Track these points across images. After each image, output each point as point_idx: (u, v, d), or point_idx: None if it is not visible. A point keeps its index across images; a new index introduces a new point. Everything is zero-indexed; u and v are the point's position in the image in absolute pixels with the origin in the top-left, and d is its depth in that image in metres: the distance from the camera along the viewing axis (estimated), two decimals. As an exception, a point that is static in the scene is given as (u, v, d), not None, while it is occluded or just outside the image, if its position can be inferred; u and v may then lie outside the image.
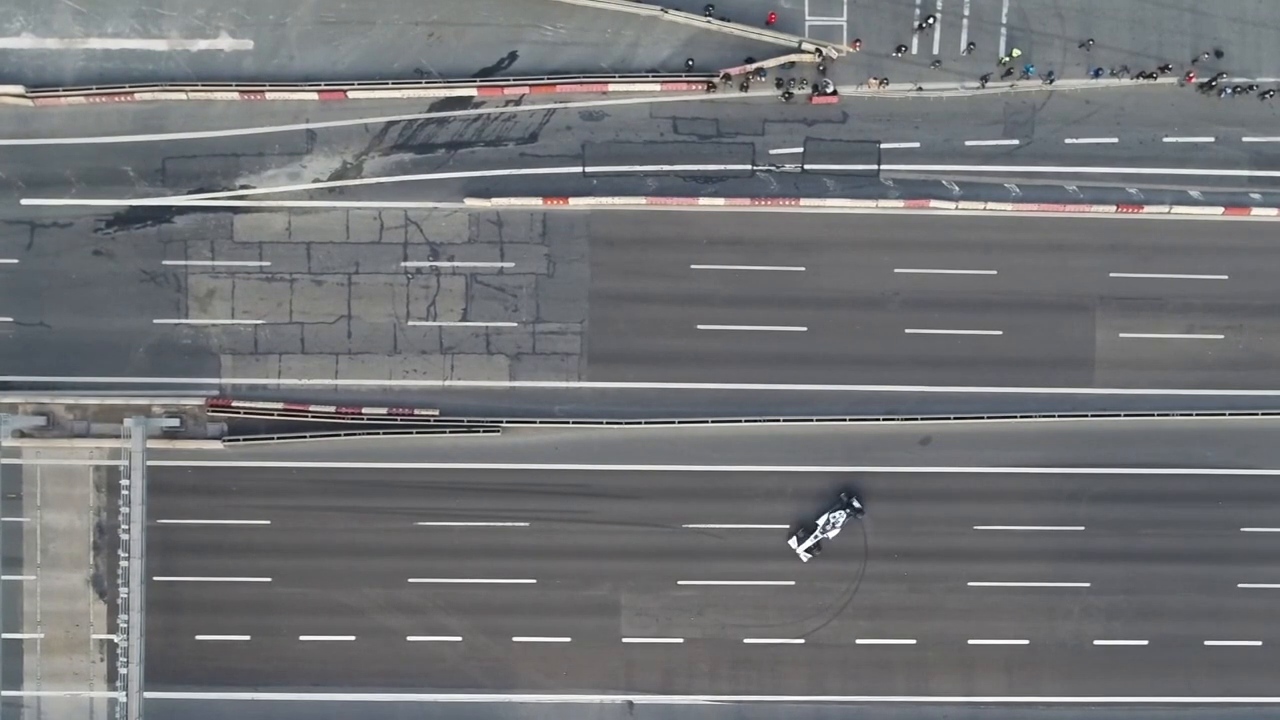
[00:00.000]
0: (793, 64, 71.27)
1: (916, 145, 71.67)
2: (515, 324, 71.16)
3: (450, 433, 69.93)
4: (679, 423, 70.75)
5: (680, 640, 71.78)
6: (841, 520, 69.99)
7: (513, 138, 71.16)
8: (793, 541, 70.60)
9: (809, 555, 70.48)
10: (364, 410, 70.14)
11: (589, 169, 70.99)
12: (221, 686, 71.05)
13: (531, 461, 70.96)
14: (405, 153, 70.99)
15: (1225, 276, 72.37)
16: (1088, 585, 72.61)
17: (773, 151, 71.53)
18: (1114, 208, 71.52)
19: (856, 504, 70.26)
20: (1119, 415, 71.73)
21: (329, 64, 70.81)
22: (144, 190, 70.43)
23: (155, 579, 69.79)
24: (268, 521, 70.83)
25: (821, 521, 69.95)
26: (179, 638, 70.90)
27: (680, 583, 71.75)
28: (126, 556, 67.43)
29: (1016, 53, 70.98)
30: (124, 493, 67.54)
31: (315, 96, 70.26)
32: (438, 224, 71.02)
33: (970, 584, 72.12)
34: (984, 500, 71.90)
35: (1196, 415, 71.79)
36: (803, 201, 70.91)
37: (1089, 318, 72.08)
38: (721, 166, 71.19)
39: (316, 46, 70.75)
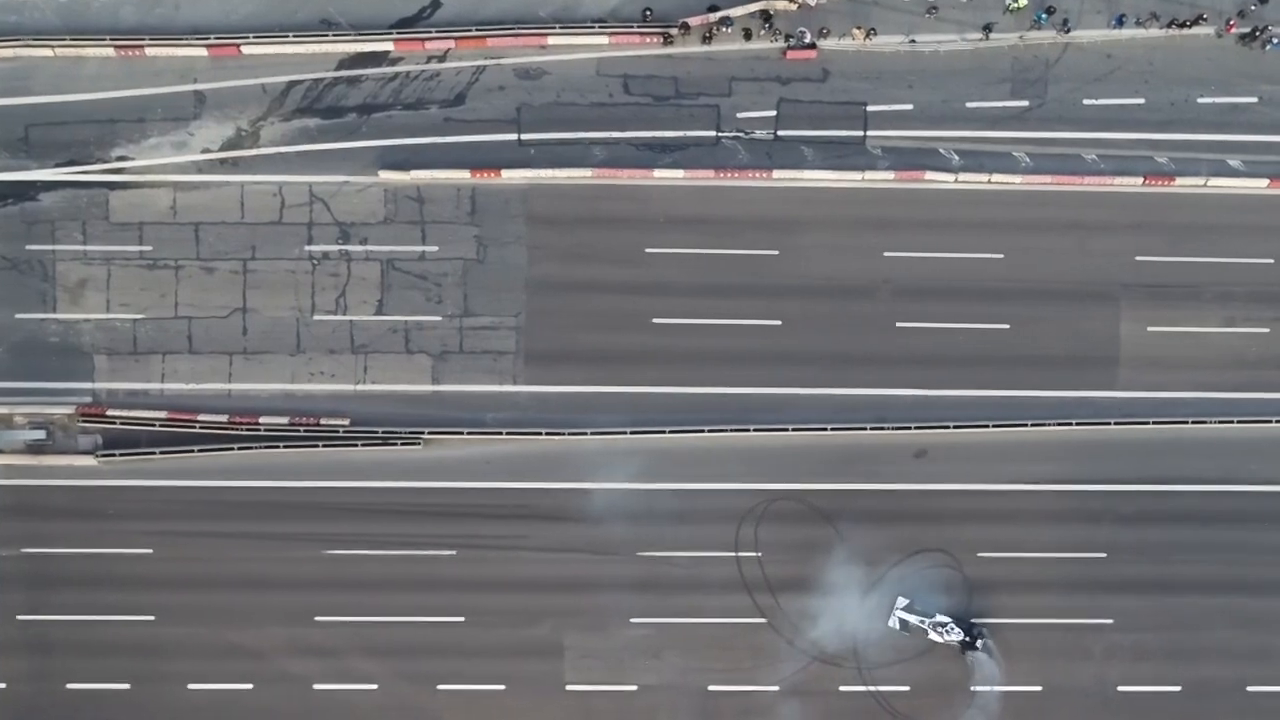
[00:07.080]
0: (765, 12, 68.61)
1: (909, 107, 69.29)
2: (439, 318, 68.19)
3: (364, 446, 66.65)
4: (631, 433, 67.44)
5: (634, 687, 67.85)
6: (940, 617, 66.74)
7: (436, 100, 68.79)
8: (973, 655, 67.41)
9: (986, 650, 67.06)
10: (261, 420, 66.75)
11: (525, 136, 68.58)
12: (97, 742, 67.85)
13: (459, 479, 67.78)
14: (310, 118, 68.52)
15: (1270, 260, 69.55)
16: (1111, 621, 68.73)
17: (741, 115, 69.19)
18: (1140, 180, 69.05)
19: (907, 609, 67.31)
20: (1147, 422, 68.38)
21: (221, 14, 68.61)
22: (4, 163, 67.86)
23: (18, 617, 66.22)
24: (150, 550, 67.07)
25: (961, 643, 66.55)
26: (48, 685, 66.56)
27: (634, 620, 67.85)
28: (-27, 594, 63.81)
29: (1023, 1, 68.97)
30: (-34, 520, 64.52)
31: (205, 52, 67.83)
32: (348, 201, 68.23)
33: (974, 620, 67.95)
34: (989, 522, 68.37)
35: (1238, 422, 68.50)
36: (776, 174, 68.55)
37: (1112, 309, 69.24)
38: (681, 133, 68.90)
39: (207, -7, 69.12)
